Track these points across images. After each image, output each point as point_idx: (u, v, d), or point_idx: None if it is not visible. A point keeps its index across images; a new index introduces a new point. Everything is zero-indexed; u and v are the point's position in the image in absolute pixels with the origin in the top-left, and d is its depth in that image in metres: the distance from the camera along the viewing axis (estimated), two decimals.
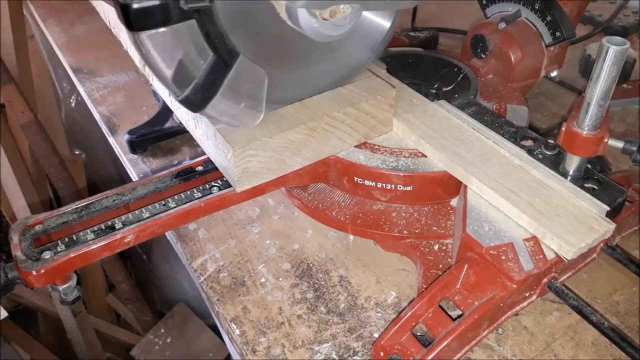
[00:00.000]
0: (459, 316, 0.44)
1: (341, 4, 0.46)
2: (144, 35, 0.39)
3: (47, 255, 0.46)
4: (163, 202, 0.51)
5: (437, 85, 0.63)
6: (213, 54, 0.42)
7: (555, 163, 0.50)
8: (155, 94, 0.80)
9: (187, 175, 0.54)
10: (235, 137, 0.47)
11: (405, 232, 0.53)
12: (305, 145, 0.51)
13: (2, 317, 1.13)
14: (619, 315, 0.50)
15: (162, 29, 0.39)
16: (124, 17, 0.37)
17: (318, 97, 0.53)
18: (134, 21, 0.38)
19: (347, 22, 0.48)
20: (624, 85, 0.76)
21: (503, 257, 0.45)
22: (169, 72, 0.42)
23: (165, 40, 0.40)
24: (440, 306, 0.45)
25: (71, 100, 1.73)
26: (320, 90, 0.54)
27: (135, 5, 0.37)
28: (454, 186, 0.54)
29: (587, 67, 0.67)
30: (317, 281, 0.54)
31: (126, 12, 0.37)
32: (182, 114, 0.57)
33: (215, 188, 0.52)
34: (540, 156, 0.51)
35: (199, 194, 0.52)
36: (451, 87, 0.63)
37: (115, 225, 0.49)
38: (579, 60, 0.68)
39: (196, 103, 0.44)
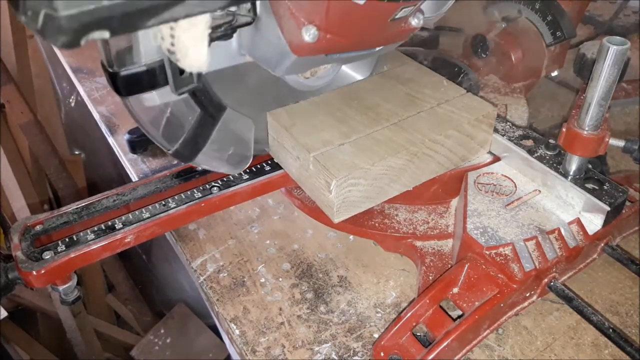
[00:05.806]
0: (460, 316, 0.44)
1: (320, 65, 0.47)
2: (133, 98, 0.40)
3: (47, 255, 0.46)
4: (163, 202, 0.51)
5: None
6: (200, 110, 0.43)
7: (556, 163, 0.50)
8: None
9: (187, 175, 0.54)
10: (336, 166, 0.45)
11: (405, 232, 0.53)
12: (404, 172, 0.48)
13: (2, 317, 1.13)
14: (619, 315, 0.50)
15: (149, 93, 0.40)
16: (112, 84, 0.38)
17: (413, 118, 0.50)
18: (123, 87, 0.38)
19: (330, 73, 0.50)
20: (623, 85, 0.76)
21: (503, 257, 0.44)
22: (158, 129, 0.43)
23: (153, 101, 0.41)
24: (440, 306, 0.45)
25: (71, 100, 1.73)
26: None
27: (123, 73, 0.37)
28: (455, 186, 0.54)
29: (581, 66, 0.67)
30: (317, 281, 0.54)
31: (114, 80, 0.38)
32: None
33: (215, 188, 0.52)
34: (541, 156, 0.51)
35: (199, 194, 0.51)
36: None
37: (116, 225, 0.49)
38: (573, 60, 0.68)
39: (186, 155, 0.46)
